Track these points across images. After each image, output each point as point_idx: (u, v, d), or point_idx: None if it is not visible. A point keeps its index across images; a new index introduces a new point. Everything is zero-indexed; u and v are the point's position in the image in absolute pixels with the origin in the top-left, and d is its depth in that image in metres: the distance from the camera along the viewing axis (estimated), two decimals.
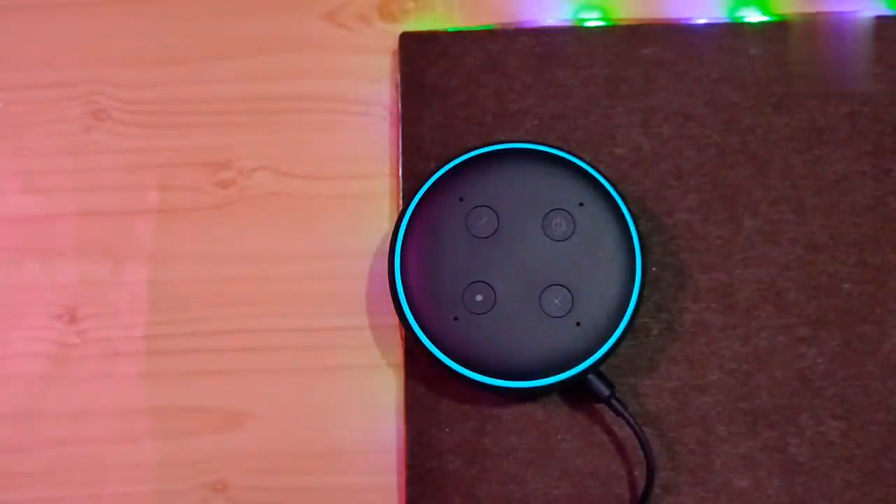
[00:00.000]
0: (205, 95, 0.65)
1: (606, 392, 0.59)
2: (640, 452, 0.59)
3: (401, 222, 0.60)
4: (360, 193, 0.64)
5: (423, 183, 0.60)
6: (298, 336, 0.63)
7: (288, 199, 0.64)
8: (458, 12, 0.66)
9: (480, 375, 0.58)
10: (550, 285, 0.58)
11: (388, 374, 0.63)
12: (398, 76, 0.64)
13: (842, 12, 0.64)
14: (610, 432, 0.61)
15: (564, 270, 0.59)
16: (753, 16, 0.64)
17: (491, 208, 0.59)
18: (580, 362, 0.58)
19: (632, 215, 0.59)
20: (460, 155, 0.60)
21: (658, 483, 0.60)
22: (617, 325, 0.58)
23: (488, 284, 0.59)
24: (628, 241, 0.59)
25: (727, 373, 0.61)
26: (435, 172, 0.60)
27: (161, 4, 0.66)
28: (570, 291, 0.58)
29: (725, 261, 0.62)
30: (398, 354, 0.63)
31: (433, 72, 0.64)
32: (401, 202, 0.63)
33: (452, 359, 0.58)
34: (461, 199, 0.59)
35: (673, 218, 0.62)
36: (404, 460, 0.61)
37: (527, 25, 0.65)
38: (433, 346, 0.58)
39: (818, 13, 0.64)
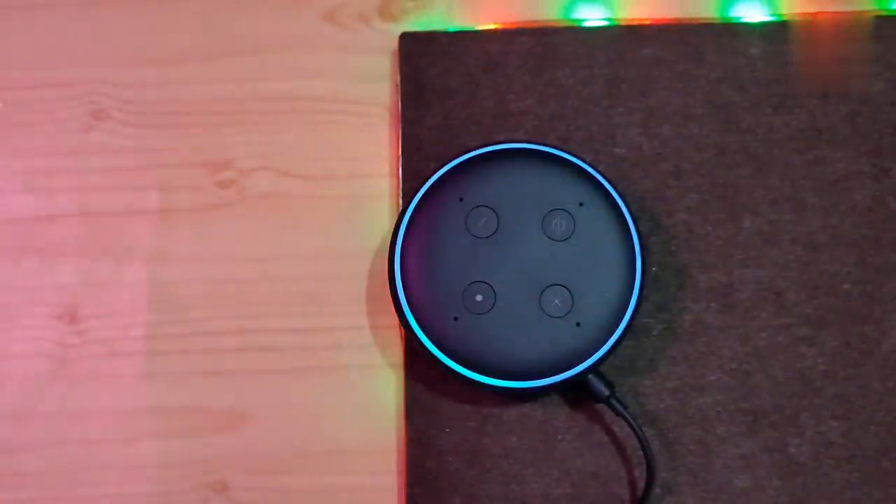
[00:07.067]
0: (205, 95, 0.65)
1: (606, 392, 0.59)
2: (640, 452, 0.59)
3: (401, 222, 0.59)
4: (360, 193, 0.64)
5: (423, 183, 0.60)
6: (298, 336, 0.63)
7: (288, 199, 0.64)
8: (457, 12, 0.66)
9: (480, 375, 0.58)
10: (550, 285, 0.58)
11: (388, 374, 0.63)
12: (398, 76, 0.64)
13: (842, 12, 0.64)
14: (610, 432, 0.61)
15: (564, 270, 0.59)
16: (753, 16, 0.64)
17: (491, 208, 0.59)
18: (580, 362, 0.58)
19: (632, 215, 0.59)
20: (460, 155, 0.60)
21: (658, 483, 0.60)
22: (617, 325, 0.58)
23: (488, 284, 0.59)
24: (628, 241, 0.59)
25: (727, 373, 0.61)
26: (435, 172, 0.60)
27: (161, 4, 0.66)
28: (570, 291, 0.58)
29: (725, 261, 0.62)
30: (398, 354, 0.63)
31: (433, 72, 0.64)
32: (401, 202, 0.63)
33: (452, 359, 0.58)
34: (461, 200, 0.59)
35: (673, 218, 0.62)
36: (404, 460, 0.61)
37: (527, 25, 0.65)
38: (433, 346, 0.58)
39: (818, 13, 0.64)
